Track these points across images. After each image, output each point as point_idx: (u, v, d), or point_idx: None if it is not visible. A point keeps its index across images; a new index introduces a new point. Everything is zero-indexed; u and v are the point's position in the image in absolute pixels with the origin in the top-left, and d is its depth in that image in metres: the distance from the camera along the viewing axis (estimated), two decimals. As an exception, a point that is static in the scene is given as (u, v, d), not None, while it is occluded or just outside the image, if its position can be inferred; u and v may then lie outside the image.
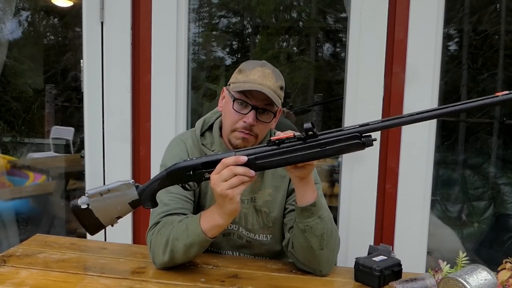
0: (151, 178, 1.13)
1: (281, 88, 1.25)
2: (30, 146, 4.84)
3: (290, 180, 1.33)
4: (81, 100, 1.95)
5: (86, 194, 1.11)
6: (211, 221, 1.10)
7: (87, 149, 1.95)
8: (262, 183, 1.31)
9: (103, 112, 1.91)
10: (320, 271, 1.20)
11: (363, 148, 0.96)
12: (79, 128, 4.38)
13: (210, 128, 1.35)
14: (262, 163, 1.02)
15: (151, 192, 1.11)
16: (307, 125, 0.98)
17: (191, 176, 1.07)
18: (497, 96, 0.86)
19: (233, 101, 1.22)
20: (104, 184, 1.92)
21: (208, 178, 1.05)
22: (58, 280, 1.13)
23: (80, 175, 2.72)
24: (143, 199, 1.10)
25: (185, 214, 1.22)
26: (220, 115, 1.34)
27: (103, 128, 1.92)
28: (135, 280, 1.13)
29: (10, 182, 3.10)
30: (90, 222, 1.11)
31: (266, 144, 1.03)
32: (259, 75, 1.21)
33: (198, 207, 1.31)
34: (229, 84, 1.28)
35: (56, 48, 5.91)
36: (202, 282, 1.13)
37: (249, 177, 1.01)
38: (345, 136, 0.97)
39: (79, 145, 4.42)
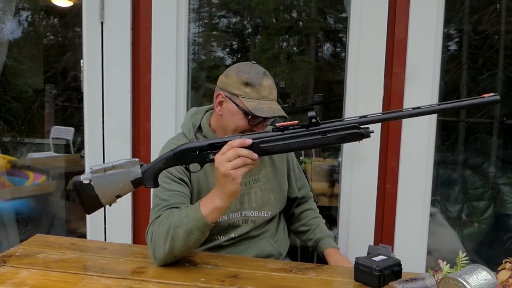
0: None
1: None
2: (30, 146, 4.84)
3: (287, 164, 1.48)
4: (81, 100, 1.95)
5: (90, 170, 1.11)
6: (210, 204, 1.12)
7: (87, 149, 1.95)
8: (262, 163, 1.42)
9: (103, 112, 1.91)
10: None
11: (361, 138, 1.03)
12: (79, 128, 4.38)
13: (199, 129, 1.39)
14: (266, 147, 1.07)
15: (155, 171, 1.14)
16: (311, 113, 1.04)
17: (197, 156, 1.11)
18: (483, 97, 0.98)
19: (249, 117, 1.26)
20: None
21: (212, 160, 1.10)
22: (58, 280, 1.13)
23: (80, 175, 2.71)
24: (146, 178, 1.13)
25: None
26: (203, 115, 1.41)
27: (103, 128, 1.92)
28: (135, 280, 1.14)
29: (10, 182, 3.10)
30: (89, 200, 1.12)
31: (271, 130, 1.08)
32: (268, 91, 1.28)
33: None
34: (235, 94, 1.28)
35: (56, 48, 5.91)
36: (202, 282, 1.13)
37: (252, 159, 1.06)
38: (345, 125, 1.03)
39: (79, 145, 4.41)
